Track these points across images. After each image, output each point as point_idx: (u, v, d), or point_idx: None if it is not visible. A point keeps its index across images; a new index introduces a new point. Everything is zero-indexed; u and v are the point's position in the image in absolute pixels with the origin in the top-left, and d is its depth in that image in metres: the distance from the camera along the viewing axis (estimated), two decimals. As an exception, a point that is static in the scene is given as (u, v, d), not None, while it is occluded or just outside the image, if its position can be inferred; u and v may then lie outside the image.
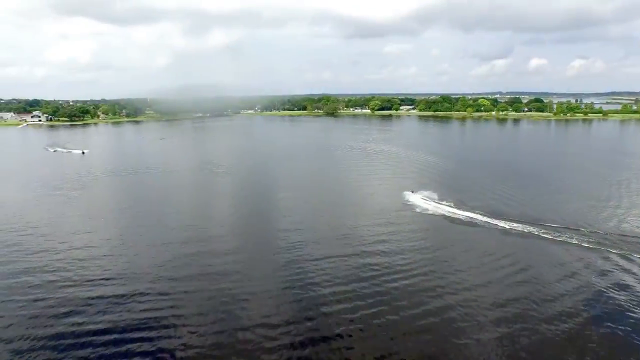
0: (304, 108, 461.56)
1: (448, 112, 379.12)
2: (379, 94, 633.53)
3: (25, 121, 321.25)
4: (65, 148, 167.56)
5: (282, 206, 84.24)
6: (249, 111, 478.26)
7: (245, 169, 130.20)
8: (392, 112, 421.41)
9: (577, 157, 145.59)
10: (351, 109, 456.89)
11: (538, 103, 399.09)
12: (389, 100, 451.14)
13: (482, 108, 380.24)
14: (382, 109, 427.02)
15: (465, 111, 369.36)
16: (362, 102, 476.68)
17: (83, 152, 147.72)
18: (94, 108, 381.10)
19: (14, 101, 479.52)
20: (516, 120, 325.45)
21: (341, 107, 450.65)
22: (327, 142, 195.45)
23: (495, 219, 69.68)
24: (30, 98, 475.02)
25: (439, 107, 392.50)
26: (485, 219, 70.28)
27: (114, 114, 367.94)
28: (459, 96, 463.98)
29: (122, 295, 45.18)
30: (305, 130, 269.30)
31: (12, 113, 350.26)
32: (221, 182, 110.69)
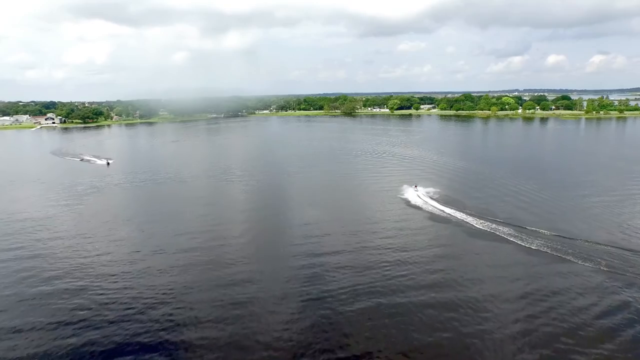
0: (321, 108, 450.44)
1: (471, 111, 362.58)
2: (393, 93, 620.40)
3: (39, 124, 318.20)
4: (81, 156, 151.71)
5: (308, 224, 73.74)
6: (264, 111, 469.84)
7: (260, 174, 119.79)
8: (412, 111, 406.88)
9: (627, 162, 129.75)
10: (369, 109, 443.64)
11: (566, 101, 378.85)
12: (408, 99, 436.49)
13: (507, 106, 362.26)
14: (401, 108, 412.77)
15: (489, 110, 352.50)
16: (380, 101, 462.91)
17: (108, 163, 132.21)
18: (107, 110, 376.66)
19: (32, 103, 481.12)
20: (544, 119, 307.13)
21: (359, 107, 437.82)
22: (347, 145, 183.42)
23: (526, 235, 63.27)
24: (49, 100, 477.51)
25: (461, 106, 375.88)
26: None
27: (127, 116, 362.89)
28: (475, 94, 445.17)
29: (139, 299, 46.13)
30: (323, 131, 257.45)
31: (27, 115, 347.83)
32: (235, 188, 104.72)
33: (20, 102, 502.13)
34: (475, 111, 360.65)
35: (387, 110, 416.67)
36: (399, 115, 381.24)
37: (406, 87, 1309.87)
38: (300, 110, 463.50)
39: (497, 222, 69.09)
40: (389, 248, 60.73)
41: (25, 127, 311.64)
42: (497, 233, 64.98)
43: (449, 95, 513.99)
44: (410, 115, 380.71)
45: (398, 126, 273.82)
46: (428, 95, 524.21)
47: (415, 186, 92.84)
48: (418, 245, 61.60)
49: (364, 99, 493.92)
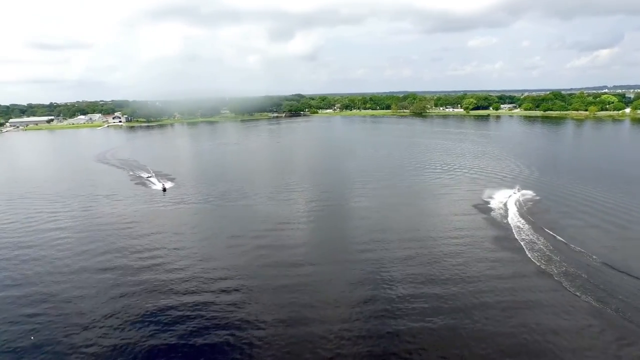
0: (388, 107, 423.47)
1: (563, 112, 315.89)
2: (463, 91, 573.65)
3: (107, 122, 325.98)
4: (135, 172, 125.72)
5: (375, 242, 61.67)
6: (327, 110, 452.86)
7: (324, 185, 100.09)
8: (490, 111, 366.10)
9: None
10: (440, 108, 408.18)
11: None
12: (485, 98, 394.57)
13: (609, 106, 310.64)
14: (477, 108, 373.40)
15: (585, 110, 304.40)
16: (452, 100, 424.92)
17: (164, 190, 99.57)
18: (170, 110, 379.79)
19: (109, 102, 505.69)
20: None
21: (429, 106, 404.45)
22: (421, 153, 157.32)
23: None
24: (128, 99, 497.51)
25: (550, 106, 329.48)
26: None
27: (190, 114, 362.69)
28: (563, 92, 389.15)
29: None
30: (391, 134, 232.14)
31: (99, 114, 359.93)
32: (301, 197, 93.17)
33: (102, 101, 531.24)
34: (568, 112, 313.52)
35: (462, 110, 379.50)
36: (474, 115, 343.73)
37: (476, 85, 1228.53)
38: (366, 109, 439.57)
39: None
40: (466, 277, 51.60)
41: (95, 126, 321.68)
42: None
43: (527, 94, 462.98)
44: (488, 116, 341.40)
45: (478, 129, 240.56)
46: (502, 94, 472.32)
47: (518, 189, 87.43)
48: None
49: (435, 97, 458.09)
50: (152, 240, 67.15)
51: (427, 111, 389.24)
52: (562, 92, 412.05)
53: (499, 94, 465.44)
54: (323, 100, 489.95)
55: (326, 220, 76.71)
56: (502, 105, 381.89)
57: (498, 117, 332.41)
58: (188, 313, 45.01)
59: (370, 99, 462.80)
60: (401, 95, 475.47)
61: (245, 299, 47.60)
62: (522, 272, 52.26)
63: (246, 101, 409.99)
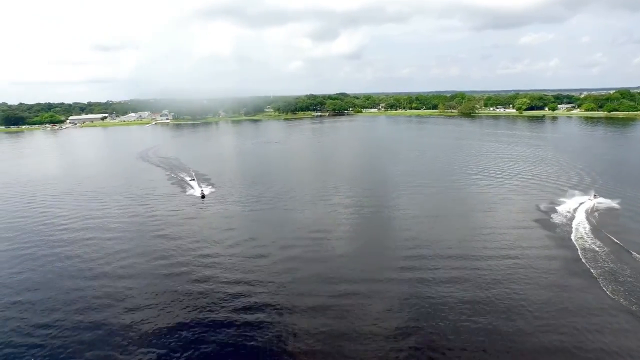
0: (435, 107, 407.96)
1: (632, 112, 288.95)
2: (514, 90, 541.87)
3: (155, 120, 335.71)
4: (176, 173, 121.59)
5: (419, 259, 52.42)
6: (372, 110, 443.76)
7: (362, 190, 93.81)
8: (546, 112, 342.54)
9: None
10: (491, 109, 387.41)
11: None
12: (540, 98, 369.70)
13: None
14: (531, 108, 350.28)
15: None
16: (504, 100, 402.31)
17: (203, 196, 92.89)
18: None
19: (159, 100, 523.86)
20: None
21: (479, 106, 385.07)
22: (477, 162, 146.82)
23: None
24: (176, 98, 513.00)
25: (616, 106, 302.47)
26: None
27: (233, 113, 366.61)
28: (623, 90, 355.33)
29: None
30: (439, 136, 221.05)
31: (149, 112, 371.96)
32: (334, 202, 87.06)
33: (153, 99, 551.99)
34: (639, 112, 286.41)
35: (514, 110, 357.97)
36: (528, 116, 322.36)
37: (528, 84, 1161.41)
38: (411, 109, 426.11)
39: None
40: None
41: (144, 123, 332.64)
42: None
43: (585, 93, 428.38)
44: (543, 116, 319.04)
45: (533, 131, 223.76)
46: (558, 93, 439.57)
47: (595, 196, 78.65)
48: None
49: (484, 97, 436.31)
50: (178, 247, 64.06)
51: (476, 111, 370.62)
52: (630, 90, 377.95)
53: (554, 93, 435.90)
54: (367, 100, 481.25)
55: (364, 229, 70.82)
56: (559, 106, 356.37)
57: (554, 118, 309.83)
58: (199, 335, 40.93)
59: (417, 98, 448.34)
60: (449, 95, 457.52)
61: (269, 321, 42.82)
62: (595, 306, 43.85)
63: (290, 100, 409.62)
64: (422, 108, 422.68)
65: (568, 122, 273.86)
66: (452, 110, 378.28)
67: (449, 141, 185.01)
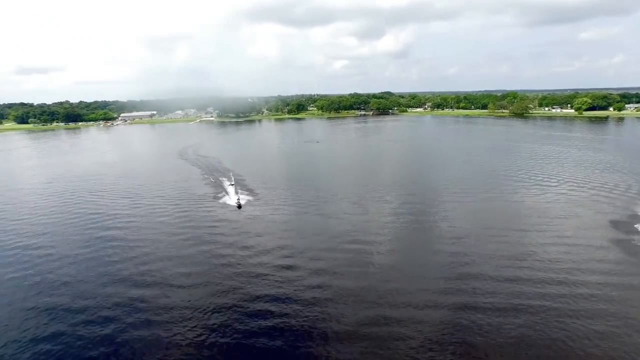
0: (484, 107, 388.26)
1: None
2: (571, 90, 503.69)
3: (200, 117, 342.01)
4: (216, 177, 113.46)
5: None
6: (417, 109, 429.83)
7: (405, 196, 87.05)
8: (610, 112, 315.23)
9: None
10: (545, 109, 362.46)
11: None
12: (604, 97, 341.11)
13: None
14: (593, 108, 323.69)
15: None
16: (561, 99, 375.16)
17: (239, 206, 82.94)
18: (258, 105, 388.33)
19: (206, 99, 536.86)
20: None
21: (532, 106, 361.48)
22: (534, 167, 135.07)
23: None
24: (221, 96, 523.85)
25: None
26: None
27: (277, 111, 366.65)
28: None
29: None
30: (490, 139, 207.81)
31: (194, 109, 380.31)
32: (374, 210, 78.99)
33: (200, 97, 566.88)
34: None
35: (572, 110, 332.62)
36: (589, 117, 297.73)
37: (586, 82, 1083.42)
38: (459, 109, 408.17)
39: None
40: None
41: (190, 120, 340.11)
42: None
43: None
44: (606, 117, 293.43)
45: (598, 133, 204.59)
46: (624, 92, 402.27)
47: None
48: None
49: (539, 96, 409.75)
50: (206, 254, 60.66)
51: (530, 112, 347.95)
52: None
53: (619, 92, 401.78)
54: (413, 99, 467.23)
55: (404, 242, 64.18)
56: (626, 105, 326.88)
57: (621, 119, 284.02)
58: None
59: (465, 97, 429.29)
60: (499, 94, 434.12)
61: (291, 346, 37.70)
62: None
63: (333, 98, 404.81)
64: (470, 108, 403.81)
65: (637, 123, 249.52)
66: (503, 111, 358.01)
67: (501, 144, 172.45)
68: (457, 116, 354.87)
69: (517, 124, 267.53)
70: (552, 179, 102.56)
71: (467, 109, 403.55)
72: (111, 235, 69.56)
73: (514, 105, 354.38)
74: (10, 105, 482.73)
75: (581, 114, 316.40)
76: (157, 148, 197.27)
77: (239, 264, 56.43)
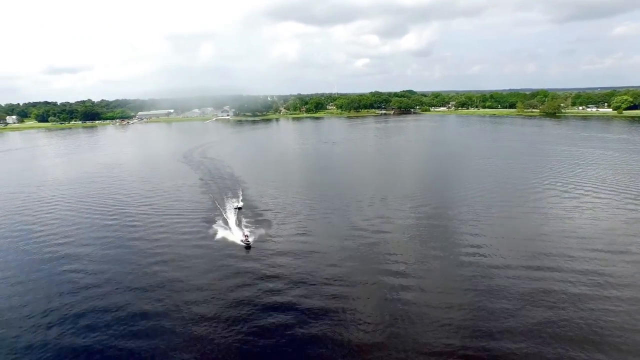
0: (512, 106, 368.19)
1: None
2: (600, 88, 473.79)
3: (216, 116, 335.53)
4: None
5: None
6: (441, 108, 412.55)
7: (424, 208, 75.03)
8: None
9: None
10: (579, 108, 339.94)
11: None
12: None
13: None
14: (634, 107, 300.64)
15: None
16: (597, 98, 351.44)
17: (248, 247, 59.61)
18: (276, 103, 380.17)
19: (225, 97, 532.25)
20: None
21: (564, 105, 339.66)
22: (579, 174, 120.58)
23: None
24: (242, 94, 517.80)
25: None
26: None
27: (295, 109, 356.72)
28: None
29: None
30: (522, 140, 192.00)
31: (211, 108, 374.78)
32: (389, 228, 65.38)
33: (220, 95, 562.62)
34: None
35: (610, 110, 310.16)
36: (630, 117, 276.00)
37: (619, 80, 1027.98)
38: (485, 108, 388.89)
39: None
40: None
41: (206, 119, 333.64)
42: None
43: None
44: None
45: None
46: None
47: None
48: None
49: (572, 94, 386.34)
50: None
51: (562, 111, 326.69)
52: None
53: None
54: (436, 97, 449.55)
55: (427, 271, 51.96)
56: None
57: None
58: None
59: (491, 96, 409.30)
60: (527, 93, 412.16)
61: None
62: None
63: (353, 97, 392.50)
64: (496, 107, 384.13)
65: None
66: (533, 110, 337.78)
67: (533, 146, 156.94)
68: (483, 116, 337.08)
69: (550, 125, 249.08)
70: (603, 189, 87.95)
71: (493, 108, 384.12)
72: (58, 254, 59.57)
73: (544, 104, 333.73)
74: (35, 104, 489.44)
75: (621, 113, 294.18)
76: (163, 149, 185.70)
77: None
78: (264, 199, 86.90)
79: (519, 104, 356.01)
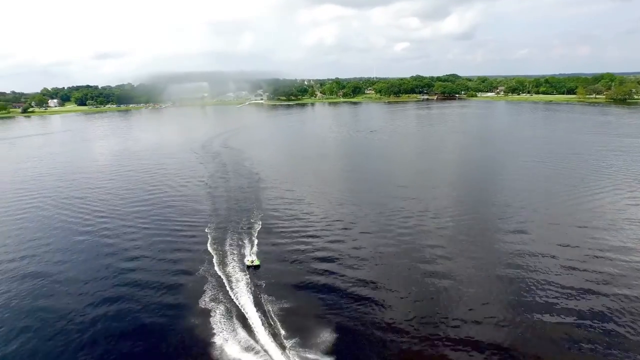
0: (570, 92, 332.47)
1: None
2: None
3: (249, 100, 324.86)
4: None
5: None
6: (488, 94, 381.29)
7: (465, 213, 57.25)
8: None
9: None
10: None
11: None
12: None
13: None
14: None
15: None
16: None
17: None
18: (312, 88, 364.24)
19: (262, 81, 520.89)
20: None
21: (635, 90, 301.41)
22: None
23: None
24: (278, 78, 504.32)
25: None
26: None
27: (331, 93, 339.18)
28: None
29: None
30: (593, 132, 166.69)
31: (245, 92, 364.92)
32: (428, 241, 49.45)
33: (258, 79, 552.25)
34: None
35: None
36: None
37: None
38: (538, 93, 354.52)
39: None
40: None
41: (239, 103, 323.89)
42: None
43: None
44: None
45: None
46: None
47: None
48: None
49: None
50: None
51: (634, 97, 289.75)
52: None
53: None
54: (483, 82, 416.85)
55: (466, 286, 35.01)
56: None
57: None
58: None
59: (546, 80, 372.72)
60: (589, 77, 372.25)
61: None
62: None
63: (393, 81, 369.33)
64: (552, 92, 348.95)
65: None
66: (597, 96, 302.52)
67: (608, 139, 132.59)
68: (537, 102, 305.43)
69: (622, 113, 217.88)
70: None
71: (548, 93, 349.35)
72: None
73: (611, 89, 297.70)
74: (78, 88, 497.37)
75: None
76: (184, 136, 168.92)
77: None
78: (281, 219, 69.41)
79: (579, 90, 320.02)
